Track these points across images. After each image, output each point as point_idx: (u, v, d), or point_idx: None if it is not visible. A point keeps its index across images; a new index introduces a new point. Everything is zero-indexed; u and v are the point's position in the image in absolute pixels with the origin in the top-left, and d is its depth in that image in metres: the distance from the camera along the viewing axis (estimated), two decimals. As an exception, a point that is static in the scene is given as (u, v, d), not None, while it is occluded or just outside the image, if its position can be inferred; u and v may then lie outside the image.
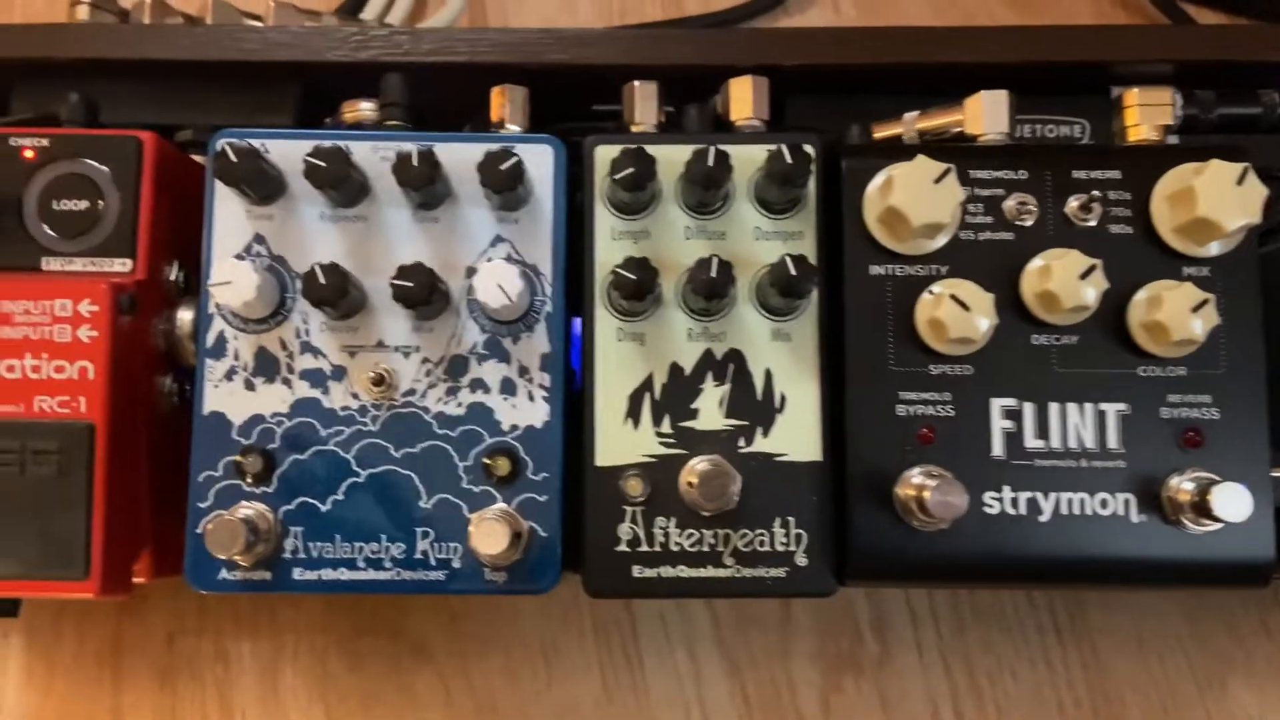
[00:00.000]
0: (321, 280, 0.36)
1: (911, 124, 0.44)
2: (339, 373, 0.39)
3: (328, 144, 0.37)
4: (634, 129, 0.42)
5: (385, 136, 0.40)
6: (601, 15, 0.64)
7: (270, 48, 0.47)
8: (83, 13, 0.53)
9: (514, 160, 0.37)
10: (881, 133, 0.44)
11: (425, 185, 0.37)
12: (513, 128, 0.42)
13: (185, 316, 0.40)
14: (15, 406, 0.37)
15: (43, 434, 0.37)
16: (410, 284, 0.36)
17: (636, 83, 0.43)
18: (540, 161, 0.40)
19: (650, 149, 0.38)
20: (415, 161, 0.36)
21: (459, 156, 0.39)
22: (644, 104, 0.43)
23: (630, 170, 0.37)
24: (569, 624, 0.48)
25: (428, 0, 0.62)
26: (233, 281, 0.36)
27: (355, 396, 0.39)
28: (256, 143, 0.39)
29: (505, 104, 0.42)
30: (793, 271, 0.36)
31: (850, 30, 0.59)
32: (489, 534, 0.36)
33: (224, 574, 0.37)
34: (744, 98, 0.43)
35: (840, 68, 0.47)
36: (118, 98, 0.47)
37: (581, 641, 0.48)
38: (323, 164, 0.37)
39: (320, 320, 0.39)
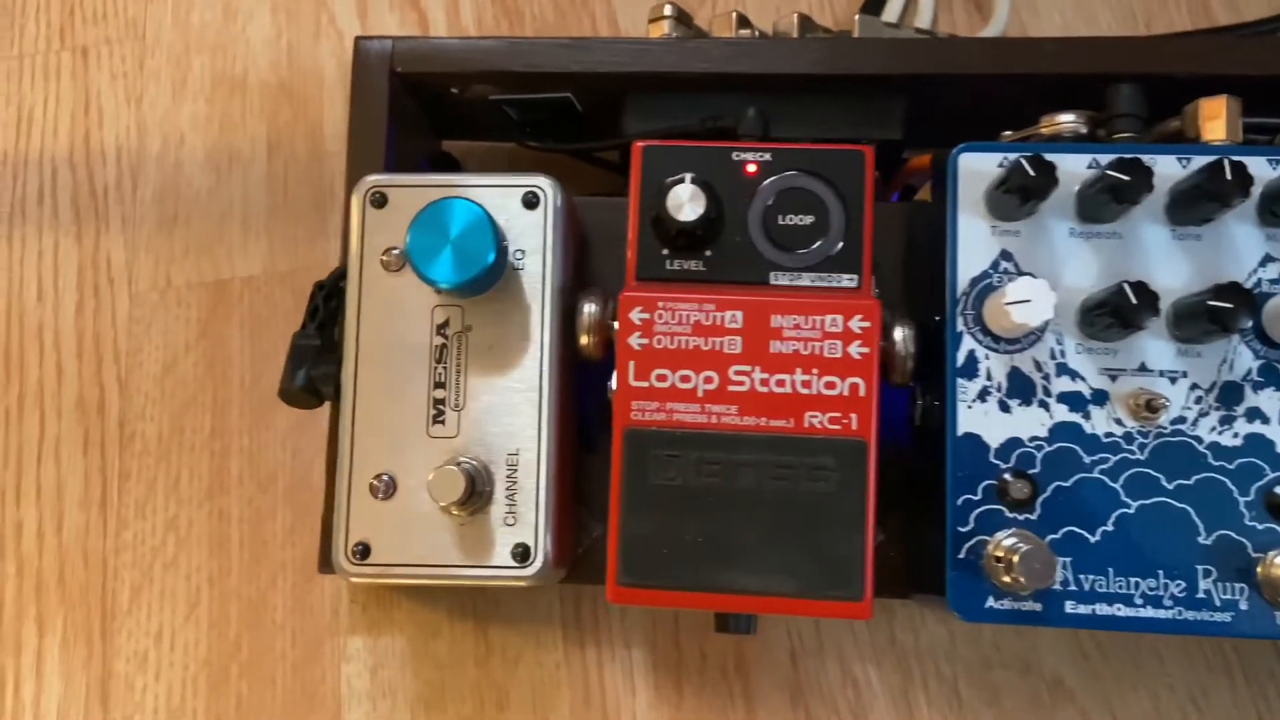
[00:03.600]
0: (1133, 300, 0.34)
1: None
2: (1100, 397, 0.37)
3: (1128, 156, 0.35)
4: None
5: (1153, 150, 0.38)
6: (1124, 24, 0.61)
7: (890, 60, 0.47)
8: (666, 27, 0.54)
9: (1342, 176, 0.34)
10: None
11: (1236, 200, 0.35)
12: (1219, 140, 0.40)
13: (903, 334, 0.39)
14: (786, 421, 0.37)
15: (819, 450, 0.36)
16: (1230, 305, 0.34)
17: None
18: (1309, 177, 0.37)
19: None
20: (1229, 175, 0.34)
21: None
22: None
23: None
24: (1215, 670, 0.45)
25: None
26: (1032, 300, 0.35)
27: (1119, 423, 0.37)
28: (1005, 156, 0.38)
29: (1222, 116, 0.40)
30: None
31: None
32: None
33: (991, 603, 0.36)
34: None
35: None
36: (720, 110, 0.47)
37: (1233, 689, 0.45)
38: (1126, 177, 0.35)
39: (1076, 341, 0.37)
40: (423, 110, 0.52)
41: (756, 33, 0.54)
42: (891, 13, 0.60)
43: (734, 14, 0.53)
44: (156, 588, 0.49)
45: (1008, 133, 0.43)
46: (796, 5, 0.63)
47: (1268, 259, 0.37)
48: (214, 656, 0.48)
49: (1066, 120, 0.41)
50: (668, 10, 0.53)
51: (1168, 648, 0.45)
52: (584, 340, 0.40)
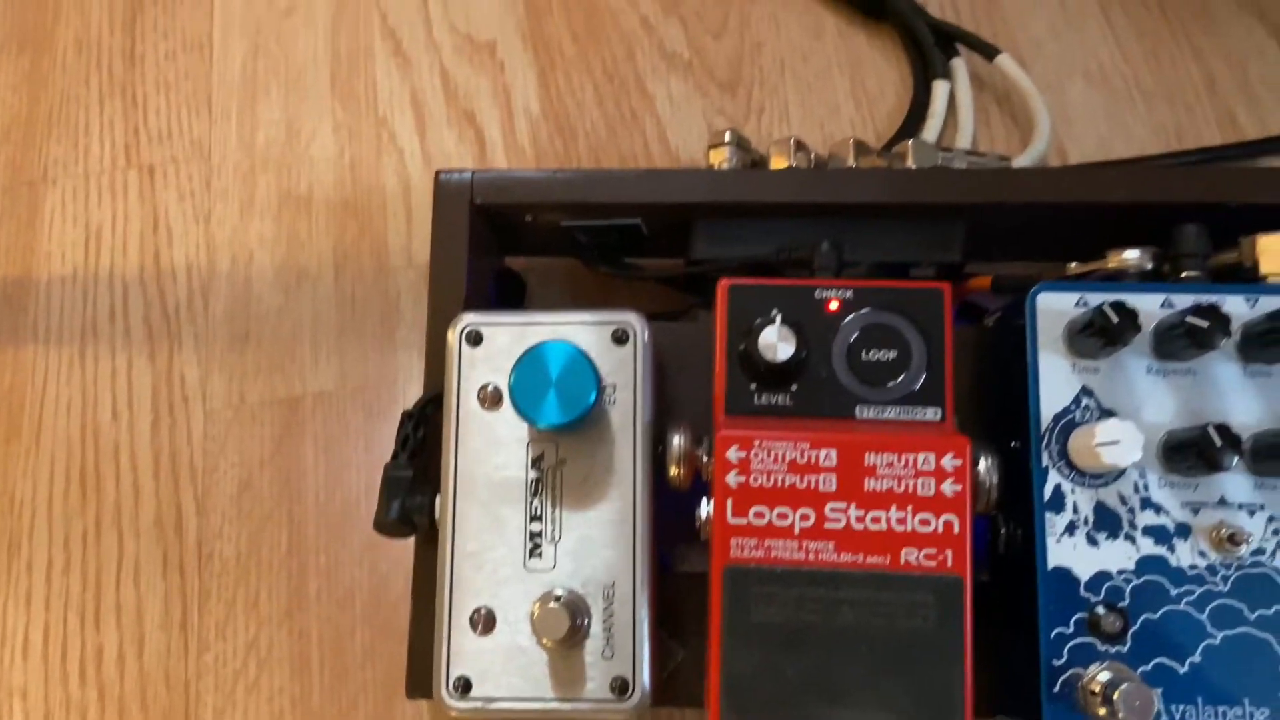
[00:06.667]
0: (1217, 443, 0.36)
1: None
2: (1183, 530, 0.38)
3: (1205, 304, 0.37)
4: None
5: (1222, 290, 0.40)
6: (1158, 137, 0.63)
7: (953, 190, 0.49)
8: (727, 153, 0.56)
9: None
10: None
11: (1309, 345, 0.37)
12: (1276, 273, 0.42)
13: (987, 465, 0.40)
14: (882, 558, 0.38)
15: (916, 588, 0.37)
16: (1309, 448, 0.36)
17: None
18: (1371, 315, 0.39)
19: None
20: (1304, 322, 0.36)
21: (1288, 310, 0.38)
22: None
23: None
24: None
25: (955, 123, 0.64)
26: (1120, 441, 0.37)
27: (1202, 555, 0.38)
28: (1081, 296, 0.40)
29: (1278, 251, 0.42)
30: None
31: None
32: None
33: (1087, 734, 0.37)
34: None
35: None
36: (786, 236, 0.49)
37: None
38: (1204, 324, 0.37)
39: (1158, 476, 0.39)
40: (492, 232, 0.53)
41: (812, 155, 0.56)
42: (931, 131, 0.62)
43: (792, 140, 0.55)
44: (239, 711, 0.49)
45: (1074, 265, 0.45)
46: (839, 120, 0.65)
47: (1338, 395, 0.39)
48: (298, 781, 0.48)
49: (1132, 257, 0.43)
50: (728, 137, 0.56)
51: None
52: (674, 471, 0.41)
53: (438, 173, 0.50)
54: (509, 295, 0.57)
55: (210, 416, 0.56)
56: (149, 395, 0.57)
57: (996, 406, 0.44)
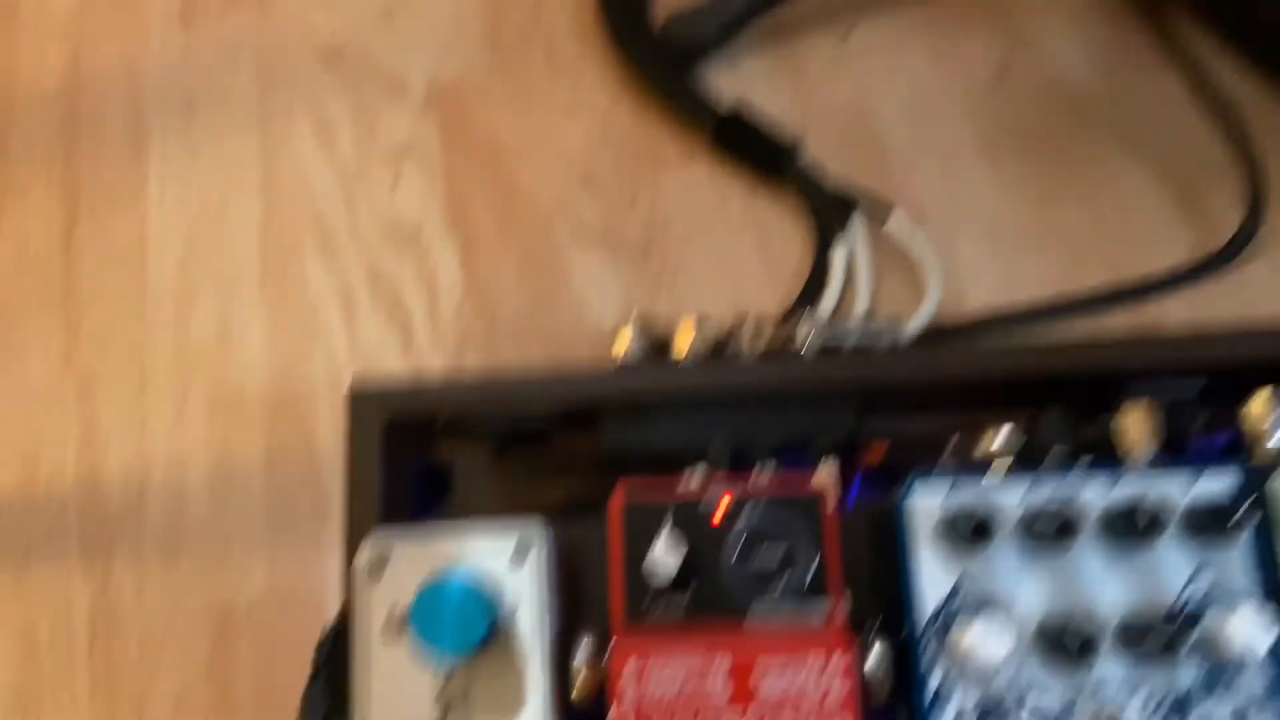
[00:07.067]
0: (1071, 650, 0.38)
1: None
2: (1066, 713, 0.40)
3: (1052, 510, 0.39)
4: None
5: (1084, 472, 0.42)
6: (1048, 278, 0.66)
7: (831, 372, 0.52)
8: (630, 334, 0.59)
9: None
10: None
11: (1155, 538, 0.39)
12: (1139, 444, 0.44)
13: (875, 658, 0.42)
14: (777, 767, 0.39)
15: (814, 798, 0.38)
16: (1169, 639, 0.37)
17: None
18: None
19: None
20: (1142, 524, 0.38)
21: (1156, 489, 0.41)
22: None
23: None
24: None
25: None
26: (988, 640, 0.38)
27: (1087, 739, 0.39)
28: (950, 488, 0.42)
29: (1141, 425, 0.44)
30: None
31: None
32: None
33: None
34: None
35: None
36: (685, 423, 0.52)
37: None
38: (1052, 528, 0.39)
39: (1037, 664, 0.40)
40: (409, 434, 0.56)
41: (713, 332, 0.59)
42: (831, 295, 0.65)
43: (694, 318, 0.58)
44: None
45: (954, 439, 0.47)
46: (748, 283, 0.68)
47: (1196, 573, 0.40)
48: None
49: (999, 443, 0.45)
50: (630, 321, 0.59)
51: None
52: (577, 691, 0.42)
53: (350, 394, 0.52)
54: (434, 488, 0.59)
55: (145, 634, 0.57)
56: (86, 616, 0.58)
57: (897, 588, 0.45)
